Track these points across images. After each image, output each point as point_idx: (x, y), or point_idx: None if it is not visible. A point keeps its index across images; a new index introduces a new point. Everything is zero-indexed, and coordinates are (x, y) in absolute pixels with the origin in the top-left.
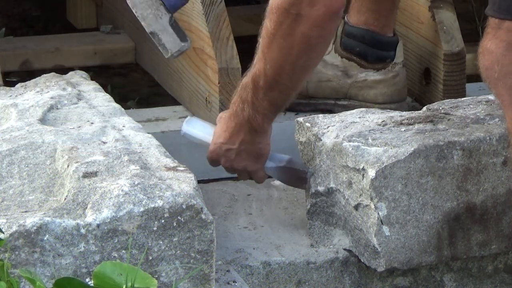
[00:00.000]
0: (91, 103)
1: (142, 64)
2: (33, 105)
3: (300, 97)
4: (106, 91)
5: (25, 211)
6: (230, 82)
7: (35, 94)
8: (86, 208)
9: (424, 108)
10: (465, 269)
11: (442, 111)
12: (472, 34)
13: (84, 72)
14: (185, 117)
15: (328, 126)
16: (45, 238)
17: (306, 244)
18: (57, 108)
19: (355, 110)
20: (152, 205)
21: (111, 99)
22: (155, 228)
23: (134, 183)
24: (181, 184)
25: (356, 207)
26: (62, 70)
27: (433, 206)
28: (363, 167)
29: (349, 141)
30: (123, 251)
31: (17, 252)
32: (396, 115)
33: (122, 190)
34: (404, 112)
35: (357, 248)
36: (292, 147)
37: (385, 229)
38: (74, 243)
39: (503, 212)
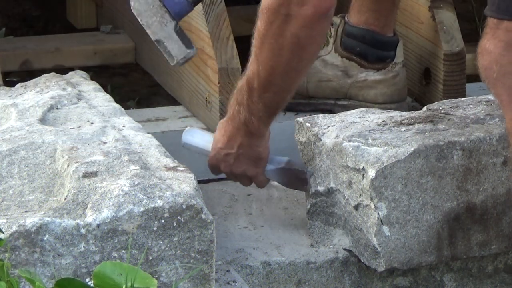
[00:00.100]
0: (91, 103)
1: (142, 64)
2: (33, 105)
3: (300, 97)
4: (106, 91)
5: (25, 211)
6: (230, 82)
7: (35, 94)
8: (86, 208)
9: (424, 108)
10: (465, 269)
11: (442, 111)
12: (472, 34)
13: (84, 72)
14: (185, 117)
15: (328, 126)
16: (45, 238)
17: (306, 244)
18: (57, 108)
19: (355, 110)
20: (152, 205)
21: (111, 99)
22: (155, 228)
23: (134, 183)
24: (181, 184)
25: (356, 207)
26: (62, 70)
27: (433, 206)
28: (363, 167)
29: (349, 141)
30: (123, 251)
31: (17, 252)
32: (396, 115)
33: (122, 190)
34: (404, 112)
35: (357, 248)
36: (292, 147)
37: (385, 229)
38: (74, 243)
39: (503, 212)
